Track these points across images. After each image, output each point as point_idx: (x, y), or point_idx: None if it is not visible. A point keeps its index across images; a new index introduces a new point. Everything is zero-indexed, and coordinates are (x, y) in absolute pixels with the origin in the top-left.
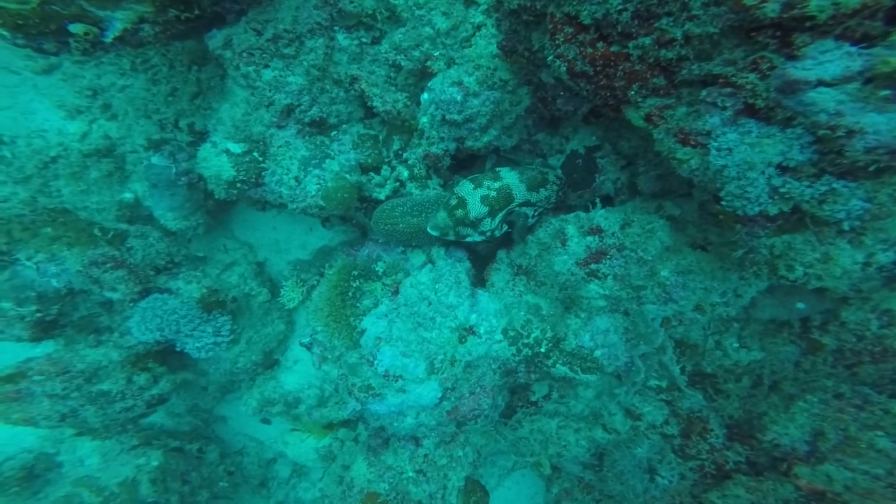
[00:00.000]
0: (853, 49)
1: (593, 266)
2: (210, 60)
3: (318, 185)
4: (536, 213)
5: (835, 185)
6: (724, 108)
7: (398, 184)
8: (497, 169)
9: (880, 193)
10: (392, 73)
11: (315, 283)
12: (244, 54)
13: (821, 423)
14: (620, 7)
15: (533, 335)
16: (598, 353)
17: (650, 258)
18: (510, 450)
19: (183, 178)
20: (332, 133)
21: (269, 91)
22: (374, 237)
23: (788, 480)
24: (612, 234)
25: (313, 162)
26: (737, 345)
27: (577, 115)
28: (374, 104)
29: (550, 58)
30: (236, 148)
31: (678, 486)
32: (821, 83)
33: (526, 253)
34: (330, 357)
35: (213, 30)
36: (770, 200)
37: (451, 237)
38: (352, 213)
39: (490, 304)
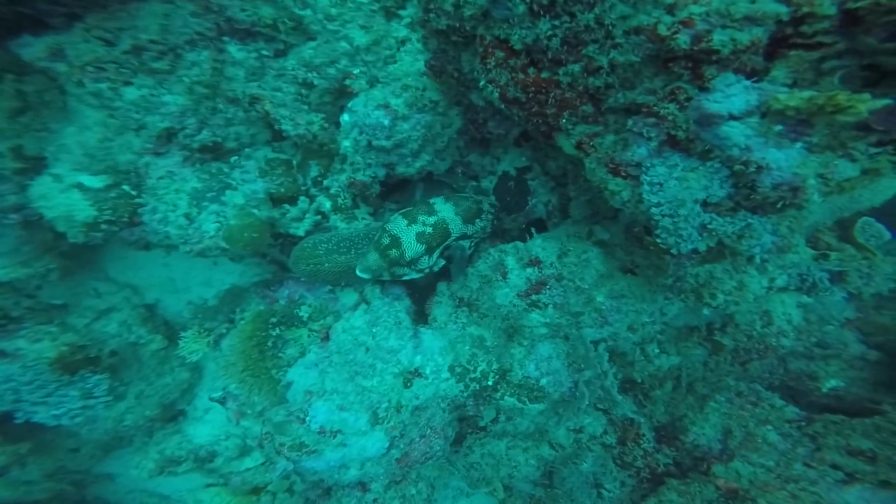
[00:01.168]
0: (748, 83)
1: (534, 297)
2: (33, 71)
3: (218, 224)
4: (473, 244)
5: (750, 221)
6: (650, 139)
7: (319, 216)
8: (430, 201)
9: (781, 226)
10: (303, 91)
11: (224, 331)
12: (89, 69)
13: (728, 421)
14: (550, 33)
15: (479, 369)
16: (543, 381)
17: (587, 286)
18: (463, 477)
19: (11, 217)
20: (233, 158)
21: (137, 113)
22: (295, 279)
23: (710, 481)
24: (551, 264)
25: (209, 195)
26: (657, 350)
27: (509, 138)
28: (283, 127)
29: (483, 82)
30: (94, 182)
31: (620, 495)
32: (731, 117)
33: (467, 286)
34: (250, 412)
35: (25, 35)
36: (700, 238)
37: (386, 277)
38: (265, 250)
39: (434, 342)
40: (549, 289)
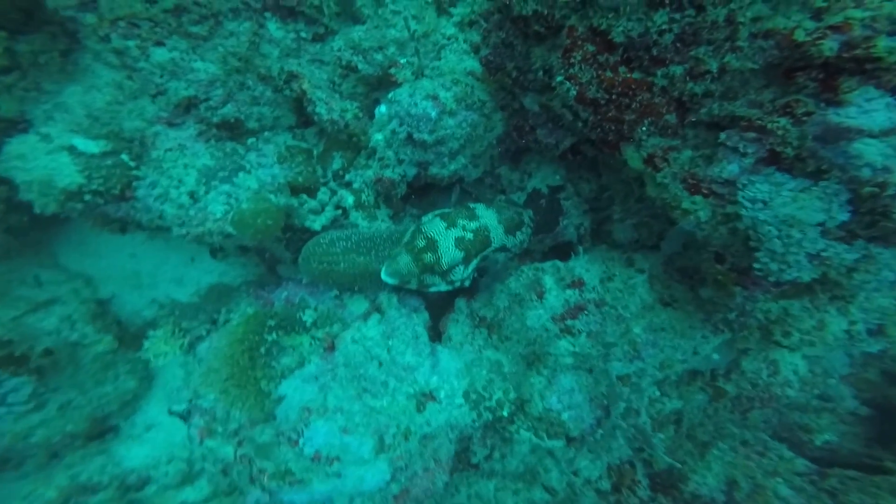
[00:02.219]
0: (893, 99)
1: (569, 322)
2: (37, 24)
3: (227, 206)
4: (507, 260)
5: (873, 251)
6: (745, 155)
7: (339, 211)
8: (471, 205)
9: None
10: (337, 79)
11: (204, 333)
12: (121, 23)
13: (732, 470)
14: (665, 27)
15: (495, 397)
16: (565, 415)
17: (629, 315)
18: None
19: None
20: (250, 140)
21: (161, 76)
22: (297, 276)
23: None
24: (593, 287)
25: (220, 174)
26: (658, 393)
27: (556, 150)
28: (317, 111)
29: (560, 78)
30: (90, 146)
31: None
32: (868, 134)
33: (492, 304)
34: (221, 430)
35: None
36: (809, 266)
37: (412, 286)
38: (268, 245)
39: (451, 363)
40: (586, 314)
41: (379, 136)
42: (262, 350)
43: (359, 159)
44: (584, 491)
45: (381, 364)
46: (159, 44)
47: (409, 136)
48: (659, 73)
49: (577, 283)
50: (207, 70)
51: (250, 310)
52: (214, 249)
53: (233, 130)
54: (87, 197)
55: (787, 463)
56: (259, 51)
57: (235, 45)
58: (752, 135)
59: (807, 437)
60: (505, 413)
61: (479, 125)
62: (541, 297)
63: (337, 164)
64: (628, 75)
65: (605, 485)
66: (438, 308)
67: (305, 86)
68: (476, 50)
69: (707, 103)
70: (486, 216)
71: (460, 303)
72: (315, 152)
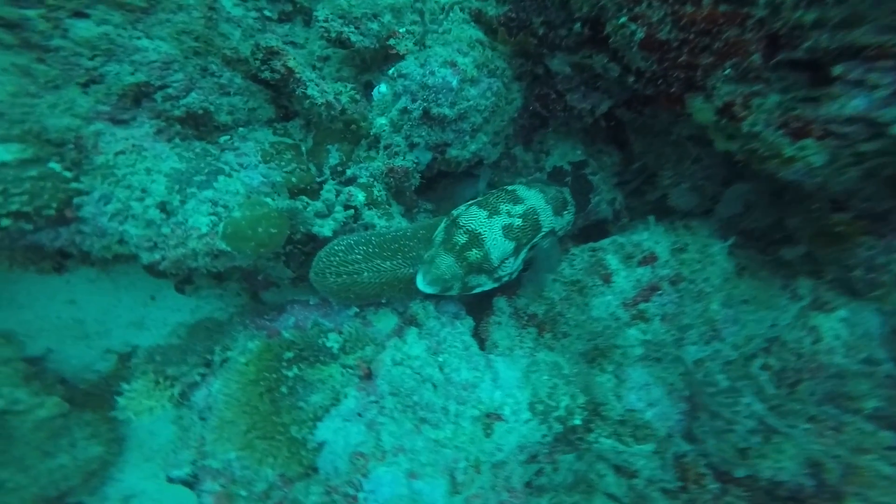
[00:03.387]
0: None
1: (641, 306)
2: None
3: (214, 217)
4: (553, 245)
5: None
6: (875, 87)
7: (352, 211)
8: (509, 187)
9: None
10: (317, 62)
11: (198, 378)
12: None
13: (810, 451)
14: None
15: (563, 404)
16: (648, 414)
17: (710, 289)
18: None
19: None
20: (223, 138)
21: (91, 59)
22: (300, 297)
23: None
24: (666, 262)
25: (197, 179)
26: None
27: (589, 117)
28: (309, 93)
29: (622, 20)
30: (1, 153)
31: None
32: None
33: (544, 298)
34: (245, 494)
35: None
36: None
37: (455, 291)
38: (262, 264)
39: (509, 373)
40: (660, 295)
41: (382, 121)
42: (284, 389)
43: (358, 151)
44: (650, 493)
45: (435, 386)
46: (80, 15)
47: (426, 113)
48: (761, 1)
49: (649, 259)
50: (159, 50)
51: (253, 344)
52: (182, 282)
53: (200, 126)
54: (5, 222)
55: (871, 437)
56: (218, 30)
57: (187, 20)
58: (887, 63)
59: (854, 405)
60: (577, 421)
61: (503, 95)
62: (608, 280)
63: (334, 158)
64: (713, 9)
65: (671, 483)
66: (469, 309)
67: (291, 63)
68: (476, 17)
69: (813, 35)
70: (532, 197)
71: (500, 302)
72: (304, 148)
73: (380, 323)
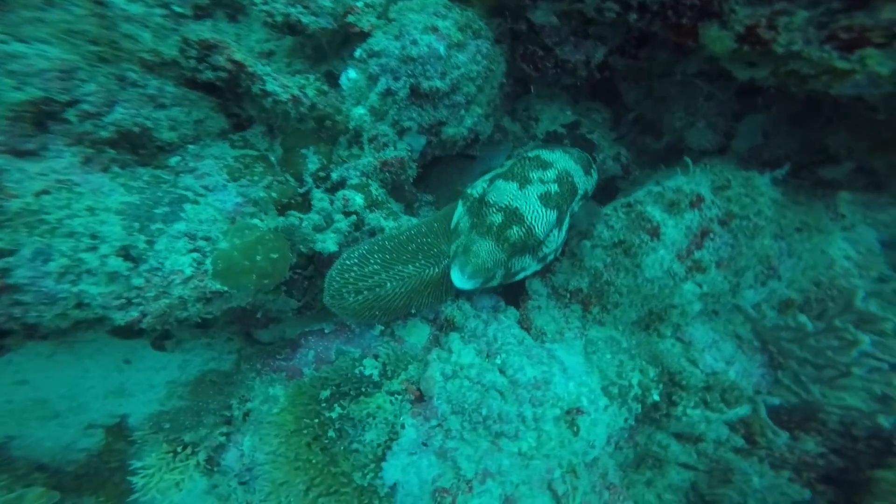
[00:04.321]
0: None
1: (696, 255)
2: None
3: (197, 255)
4: (585, 209)
5: None
6: None
7: (354, 218)
8: (532, 153)
9: None
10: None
11: (222, 439)
12: None
13: (873, 386)
14: None
15: (634, 381)
16: (732, 373)
17: (764, 223)
18: None
19: None
20: (173, 160)
21: None
22: (314, 327)
23: None
24: (712, 202)
25: (158, 212)
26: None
27: (584, 69)
28: (269, 89)
29: None
30: None
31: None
32: None
33: (584, 269)
34: None
35: None
36: None
37: (497, 280)
38: (261, 299)
39: (572, 359)
40: (712, 238)
41: (360, 111)
42: (331, 434)
43: (338, 151)
44: (722, 455)
45: (502, 393)
46: None
47: (414, 91)
48: None
49: (696, 202)
50: (47, 55)
51: (276, 390)
52: (160, 338)
53: (138, 149)
54: None
55: None
56: (119, 30)
57: (69, 19)
58: None
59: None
60: (656, 397)
61: (493, 57)
62: (656, 234)
63: (313, 163)
64: None
65: (738, 441)
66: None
67: (238, 55)
68: None
69: None
70: (559, 159)
71: (535, 284)
72: (272, 158)
73: (411, 336)
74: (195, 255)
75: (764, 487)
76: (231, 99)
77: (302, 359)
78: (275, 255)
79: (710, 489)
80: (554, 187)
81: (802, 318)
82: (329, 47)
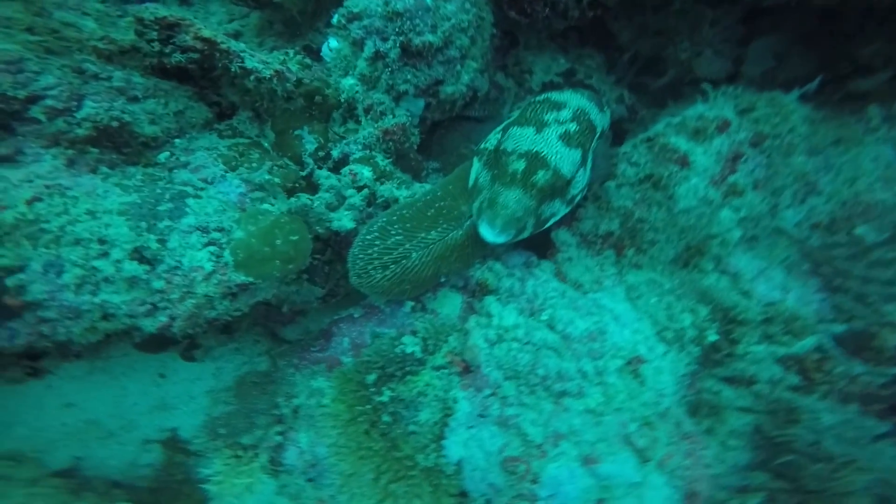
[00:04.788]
0: None
1: (730, 179)
2: None
3: (214, 248)
4: (604, 149)
5: None
6: None
7: (366, 192)
8: (541, 97)
9: None
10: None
11: (279, 439)
12: None
13: None
14: None
15: (687, 323)
16: (789, 301)
17: (798, 140)
18: None
19: None
20: (161, 156)
21: None
22: (342, 314)
23: None
24: (739, 125)
25: (162, 209)
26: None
27: (577, 8)
28: (248, 66)
29: None
30: None
31: None
32: None
33: (612, 210)
34: None
35: None
36: None
37: (528, 232)
38: (284, 291)
39: (620, 306)
40: (745, 161)
41: (350, 81)
42: (386, 418)
43: (333, 127)
44: (779, 395)
45: (556, 350)
46: None
47: (406, 50)
48: None
49: (723, 126)
50: None
51: (319, 382)
52: (187, 349)
53: (122, 147)
54: None
55: None
56: (55, 18)
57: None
58: None
59: None
60: (713, 337)
61: (481, 4)
62: (685, 163)
63: (310, 143)
64: None
65: (794, 379)
66: None
67: (206, 33)
68: None
69: None
70: (572, 98)
71: (561, 235)
72: (265, 144)
73: (444, 308)
74: (212, 248)
75: (836, 424)
76: (208, 86)
77: (337, 347)
78: (294, 238)
79: (777, 430)
80: (572, 126)
81: (861, 229)
82: (302, 18)
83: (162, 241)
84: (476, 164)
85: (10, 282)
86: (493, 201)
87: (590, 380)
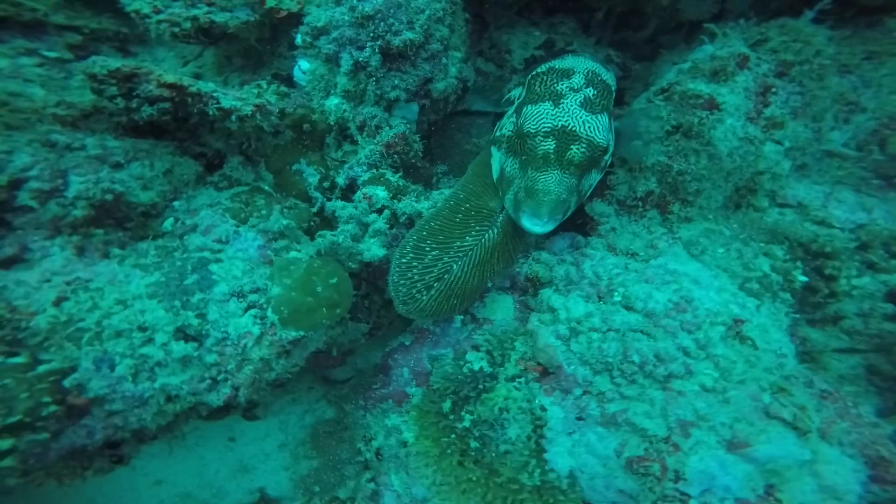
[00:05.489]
0: None
1: (767, 112)
2: None
3: (256, 311)
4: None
5: None
6: None
7: (387, 213)
8: (543, 68)
9: None
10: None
11: (371, 486)
12: None
13: None
14: None
15: (766, 268)
16: (880, 223)
17: (828, 61)
18: None
19: None
20: (166, 225)
21: None
22: (393, 345)
23: None
24: (757, 59)
25: (190, 282)
26: None
27: None
28: (227, 105)
29: None
30: None
31: None
32: None
33: (647, 170)
34: None
35: None
36: None
37: (572, 209)
38: (332, 335)
39: (689, 266)
40: (775, 93)
41: (334, 101)
42: (474, 444)
43: (329, 154)
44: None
45: (644, 332)
46: None
47: (386, 53)
48: None
49: (743, 61)
50: None
51: (390, 420)
52: (247, 410)
53: (123, 221)
54: (6, 442)
55: None
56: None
57: None
58: None
59: None
60: (802, 277)
61: None
62: (713, 106)
63: (312, 176)
64: None
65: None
66: None
67: (170, 78)
68: None
69: None
70: (577, 62)
71: (597, 207)
72: (266, 187)
73: (496, 313)
74: (254, 311)
75: None
76: (187, 138)
77: (399, 380)
78: (333, 280)
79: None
80: (590, 91)
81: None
82: (262, 46)
83: (201, 316)
84: (496, 155)
85: (68, 383)
86: (531, 190)
87: (694, 356)
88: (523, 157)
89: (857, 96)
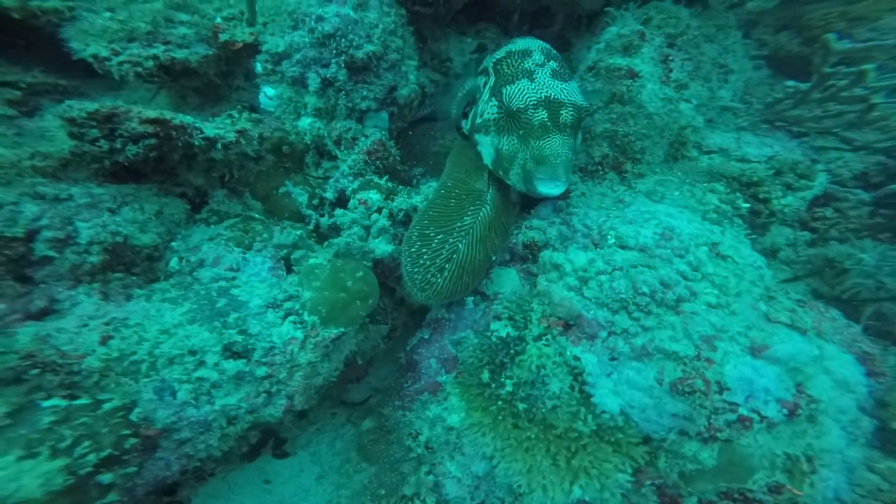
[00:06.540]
0: None
1: (673, 76)
2: None
3: (294, 318)
4: None
5: None
6: None
7: (386, 211)
8: (500, 53)
9: None
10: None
11: (430, 479)
12: None
13: None
14: None
15: (716, 201)
16: (780, 152)
17: (696, 32)
18: None
19: None
20: (172, 264)
21: None
22: (413, 342)
23: None
24: (651, 34)
25: (221, 306)
26: None
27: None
28: (210, 135)
29: None
30: None
31: None
32: None
33: (598, 136)
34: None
35: None
36: None
37: (572, 168)
38: (358, 341)
39: (658, 207)
40: (673, 60)
41: (307, 121)
42: (521, 406)
43: (309, 173)
44: (804, 253)
45: (643, 265)
46: None
47: (352, 67)
48: None
49: (641, 36)
50: None
51: (431, 411)
52: (276, 447)
53: (131, 266)
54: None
55: None
56: None
57: None
58: None
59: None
60: (745, 204)
61: (393, 3)
62: (634, 75)
63: (301, 196)
64: None
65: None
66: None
67: (150, 113)
68: None
69: None
70: (531, 42)
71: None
72: (256, 215)
73: (504, 286)
74: (292, 317)
75: (879, 260)
76: (165, 179)
77: (428, 371)
78: (360, 273)
79: (834, 289)
80: (553, 64)
81: (790, 82)
82: (221, 79)
83: (243, 332)
84: (485, 140)
85: (134, 416)
86: (541, 157)
87: (692, 278)
88: (521, 132)
89: (724, 60)
